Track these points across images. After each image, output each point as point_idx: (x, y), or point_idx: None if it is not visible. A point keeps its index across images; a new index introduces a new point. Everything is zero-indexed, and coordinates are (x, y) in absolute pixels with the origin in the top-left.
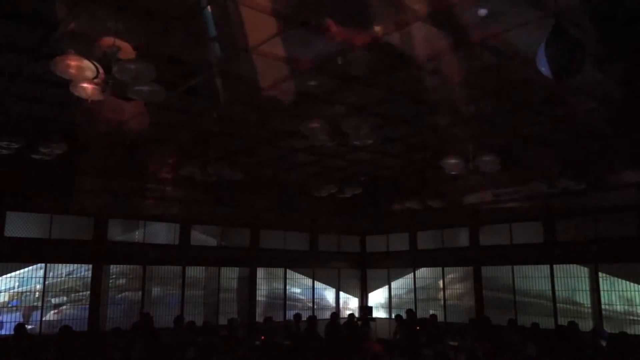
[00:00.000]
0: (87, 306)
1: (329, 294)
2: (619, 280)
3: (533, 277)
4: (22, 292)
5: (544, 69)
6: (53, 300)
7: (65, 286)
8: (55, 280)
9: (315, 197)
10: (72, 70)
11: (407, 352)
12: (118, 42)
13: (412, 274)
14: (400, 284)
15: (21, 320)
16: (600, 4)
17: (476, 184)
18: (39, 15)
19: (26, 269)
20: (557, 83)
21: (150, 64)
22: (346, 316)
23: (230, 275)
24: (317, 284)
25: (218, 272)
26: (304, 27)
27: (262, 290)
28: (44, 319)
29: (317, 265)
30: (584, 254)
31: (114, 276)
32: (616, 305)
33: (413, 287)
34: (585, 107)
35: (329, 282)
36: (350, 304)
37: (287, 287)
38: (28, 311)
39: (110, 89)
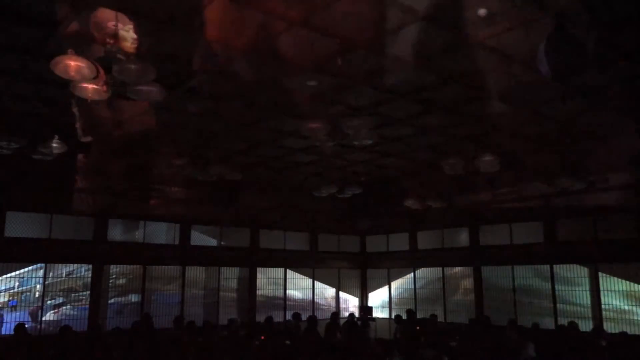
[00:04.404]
0: (87, 306)
1: (328, 294)
2: (619, 280)
3: (533, 277)
4: (22, 292)
5: (544, 69)
6: (53, 301)
7: (65, 286)
8: (55, 280)
9: (315, 197)
10: (72, 70)
11: (407, 352)
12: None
13: (412, 274)
14: (400, 284)
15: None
16: (600, 4)
17: (476, 183)
18: (39, 15)
19: (26, 269)
20: (557, 83)
21: (150, 64)
22: (346, 316)
23: (230, 275)
24: (317, 284)
25: (218, 272)
26: (305, 27)
27: (262, 290)
28: (44, 319)
29: (317, 265)
30: (584, 254)
31: (114, 276)
32: (616, 305)
33: (413, 287)
34: (584, 107)
35: (329, 282)
36: (350, 304)
37: (287, 287)
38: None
39: (110, 89)
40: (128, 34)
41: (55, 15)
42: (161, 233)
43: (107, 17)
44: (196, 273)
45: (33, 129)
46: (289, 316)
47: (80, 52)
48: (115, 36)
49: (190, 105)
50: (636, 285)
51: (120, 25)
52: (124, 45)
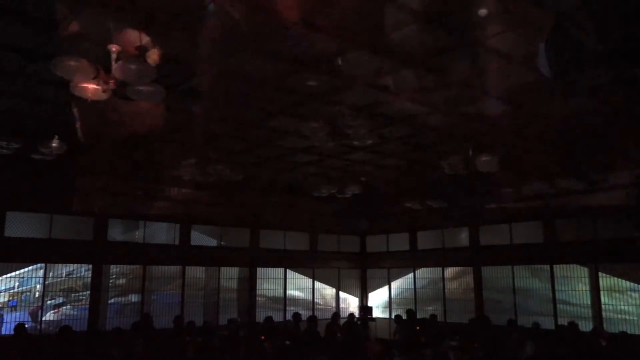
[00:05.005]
0: (87, 306)
1: (328, 294)
2: (619, 280)
3: (533, 277)
4: (22, 292)
5: (544, 68)
6: (53, 301)
7: (65, 286)
8: (55, 280)
9: (315, 197)
10: (72, 71)
11: (407, 352)
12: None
13: (412, 274)
14: (400, 284)
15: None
16: (600, 4)
17: (476, 183)
18: (39, 15)
19: (26, 269)
20: (557, 82)
21: (150, 64)
22: (346, 316)
23: (230, 275)
24: (317, 284)
25: (218, 272)
26: (304, 27)
27: (262, 290)
28: (44, 319)
29: (317, 265)
30: (584, 254)
31: (114, 276)
32: (616, 305)
33: (413, 287)
34: (585, 107)
35: (329, 282)
36: (350, 304)
37: (287, 287)
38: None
39: (110, 89)
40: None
41: (55, 15)
42: (161, 233)
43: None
44: (196, 273)
45: (33, 129)
46: (289, 316)
47: (80, 52)
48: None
49: (190, 105)
50: (636, 285)
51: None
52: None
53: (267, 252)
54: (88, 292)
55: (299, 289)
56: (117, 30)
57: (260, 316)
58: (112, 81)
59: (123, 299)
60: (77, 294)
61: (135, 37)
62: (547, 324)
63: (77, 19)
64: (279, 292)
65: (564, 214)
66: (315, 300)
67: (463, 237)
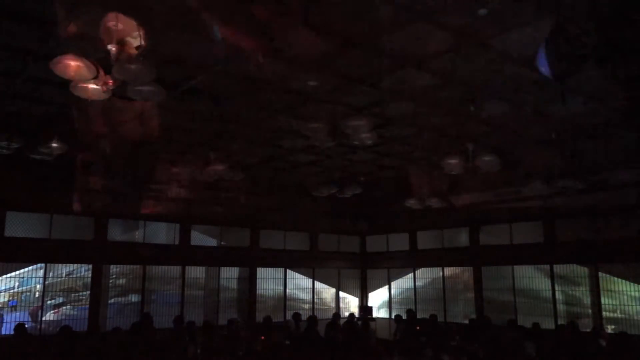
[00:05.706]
0: (87, 306)
1: (328, 294)
2: (619, 280)
3: (533, 277)
4: (22, 292)
5: (544, 68)
6: (53, 301)
7: (65, 286)
8: (55, 280)
9: (315, 197)
10: (72, 70)
11: (407, 352)
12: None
13: (412, 274)
14: (400, 284)
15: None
16: (600, 4)
17: (476, 184)
18: (39, 15)
19: (26, 269)
20: (557, 82)
21: (150, 64)
22: (346, 316)
23: (230, 275)
24: (317, 284)
25: (218, 272)
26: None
27: (262, 290)
28: (44, 319)
29: (317, 265)
30: (584, 254)
31: (114, 276)
32: (616, 305)
33: (413, 287)
34: (585, 107)
35: (329, 282)
36: (351, 304)
37: (287, 287)
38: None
39: (110, 89)
40: (135, 40)
41: (55, 15)
42: (161, 233)
43: (115, 22)
44: (196, 273)
45: (33, 129)
46: (289, 316)
47: (80, 52)
48: (122, 42)
49: (190, 105)
50: (636, 285)
51: (127, 31)
52: (129, 50)
53: (267, 252)
54: (88, 292)
55: (299, 289)
56: (117, 29)
57: (260, 316)
58: (111, 81)
59: (123, 299)
60: (77, 294)
61: (136, 36)
62: (547, 324)
63: (77, 19)
64: (279, 292)
65: (564, 214)
66: (315, 300)
67: (463, 237)
